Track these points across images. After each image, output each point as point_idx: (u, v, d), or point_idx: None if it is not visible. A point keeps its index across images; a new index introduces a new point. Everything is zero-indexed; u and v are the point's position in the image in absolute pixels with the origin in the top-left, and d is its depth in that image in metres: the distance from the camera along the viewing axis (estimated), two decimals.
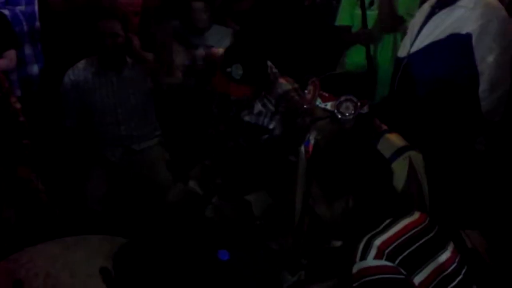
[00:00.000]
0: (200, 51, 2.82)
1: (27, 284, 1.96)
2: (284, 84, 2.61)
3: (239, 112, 2.65)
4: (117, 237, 2.21)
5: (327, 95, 2.01)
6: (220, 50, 2.74)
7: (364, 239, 1.53)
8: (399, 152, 2.03)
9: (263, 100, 2.60)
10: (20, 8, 3.29)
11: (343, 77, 2.27)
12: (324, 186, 1.68)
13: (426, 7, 2.69)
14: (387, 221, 1.58)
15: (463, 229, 1.77)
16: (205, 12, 3.48)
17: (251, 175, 2.66)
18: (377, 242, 1.51)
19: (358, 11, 3.07)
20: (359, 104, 2.01)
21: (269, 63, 2.59)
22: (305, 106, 2.09)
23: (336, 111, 2.00)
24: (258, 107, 2.61)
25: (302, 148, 2.35)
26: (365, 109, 2.06)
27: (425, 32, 2.63)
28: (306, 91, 2.09)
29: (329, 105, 2.01)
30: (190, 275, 1.29)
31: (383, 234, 1.54)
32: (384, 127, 2.15)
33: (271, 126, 2.62)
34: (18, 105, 2.67)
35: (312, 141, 2.26)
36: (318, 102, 2.02)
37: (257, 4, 3.80)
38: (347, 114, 2.01)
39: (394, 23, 2.99)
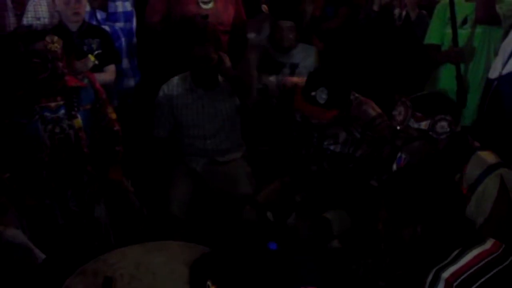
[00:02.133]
0: (271, 79, 2.86)
1: (113, 284, 2.07)
2: (369, 111, 2.57)
3: (322, 140, 2.64)
4: (197, 245, 2.28)
5: (420, 115, 1.97)
6: (294, 79, 2.77)
7: (432, 271, 1.49)
8: (491, 168, 1.97)
9: (349, 128, 2.58)
10: (119, 24, 3.47)
11: (436, 97, 2.22)
12: (393, 212, 1.65)
13: None
14: (456, 251, 1.53)
15: None
16: (292, 32, 3.52)
17: (331, 195, 2.65)
18: (445, 274, 1.47)
19: (449, 30, 3.00)
20: (454, 122, 1.97)
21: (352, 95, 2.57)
22: (397, 128, 2.03)
23: (430, 130, 1.97)
24: (343, 135, 2.59)
25: (395, 166, 2.33)
26: (459, 128, 2.01)
27: None
28: (395, 112, 2.06)
29: (423, 125, 1.97)
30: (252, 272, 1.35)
31: (452, 266, 1.49)
32: (477, 144, 2.08)
33: (357, 154, 2.60)
34: (114, 115, 2.84)
35: (404, 157, 2.22)
36: (411, 122, 1.99)
37: (346, 24, 3.81)
38: (442, 134, 1.96)
39: (490, 14, 2.83)
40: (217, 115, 3.08)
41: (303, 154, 2.74)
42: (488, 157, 2.02)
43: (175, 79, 3.13)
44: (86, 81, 2.73)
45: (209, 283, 1.41)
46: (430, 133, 1.96)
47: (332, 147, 2.62)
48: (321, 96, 2.40)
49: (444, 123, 1.95)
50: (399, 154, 2.30)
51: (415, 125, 1.97)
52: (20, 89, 2.60)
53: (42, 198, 2.62)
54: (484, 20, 2.86)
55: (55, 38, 2.59)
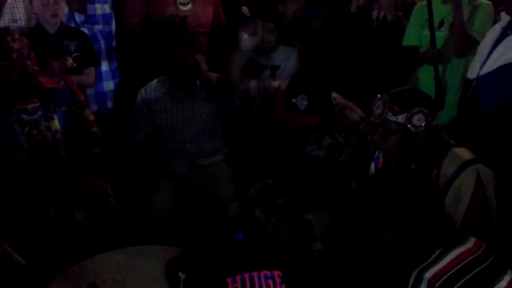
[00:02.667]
0: (253, 83, 2.87)
1: None
2: (352, 114, 2.59)
3: (305, 145, 2.66)
4: (179, 249, 2.27)
5: (397, 108, 2.00)
6: (275, 83, 2.78)
7: (415, 272, 1.50)
8: (467, 164, 2.00)
9: (332, 133, 2.59)
10: (98, 27, 3.44)
11: (413, 91, 2.26)
12: (373, 214, 1.66)
13: (497, 29, 2.64)
14: (438, 252, 1.54)
15: None
16: (273, 33, 3.53)
17: (313, 197, 2.66)
18: (428, 275, 1.48)
19: (427, 32, 3.04)
20: (430, 115, 2.00)
21: (333, 94, 2.59)
22: (376, 121, 2.05)
23: (407, 123, 2.00)
24: (327, 140, 2.60)
25: (373, 165, 2.35)
26: (435, 122, 2.05)
27: (495, 55, 2.57)
28: (374, 107, 2.07)
29: (400, 118, 2.00)
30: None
31: (434, 266, 1.50)
32: (452, 141, 2.11)
33: (340, 159, 2.61)
34: (91, 117, 2.81)
35: (382, 158, 2.25)
36: (389, 115, 2.01)
37: (326, 26, 3.83)
38: (419, 126, 1.99)
39: (467, 45, 2.93)
40: (197, 118, 3.07)
41: (286, 159, 2.75)
42: (464, 153, 2.05)
43: (153, 83, 3.11)
44: (62, 82, 2.71)
45: (180, 273, 1.45)
46: (408, 125, 1.99)
47: (316, 152, 2.63)
48: (302, 102, 2.42)
49: (421, 116, 1.97)
50: (376, 153, 2.33)
51: (393, 118, 2.00)
52: None
53: (21, 201, 2.58)
54: (466, 53, 2.94)
55: (16, 36, 2.55)
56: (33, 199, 2.60)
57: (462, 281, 1.48)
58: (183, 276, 1.44)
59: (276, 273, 1.39)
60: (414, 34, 3.17)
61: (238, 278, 1.35)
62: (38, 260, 2.42)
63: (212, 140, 3.14)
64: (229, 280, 1.36)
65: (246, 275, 1.36)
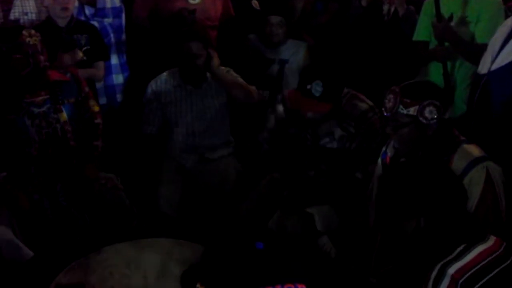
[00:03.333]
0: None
1: (103, 281, 2.06)
2: (361, 104, 2.61)
3: (317, 140, 2.66)
4: (188, 242, 2.28)
5: (408, 100, 2.00)
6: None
7: (437, 267, 1.49)
8: (476, 161, 1.99)
9: (342, 124, 2.60)
10: (107, 20, 3.46)
11: (425, 83, 2.25)
12: (395, 205, 1.65)
13: (508, 24, 2.60)
14: (461, 247, 1.53)
15: None
16: (281, 27, 3.52)
17: (317, 190, 2.66)
18: (451, 270, 1.47)
19: None
20: (442, 108, 1.99)
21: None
22: (387, 114, 2.05)
23: (419, 115, 1.99)
24: (338, 131, 2.62)
25: (379, 161, 2.35)
26: (447, 115, 2.04)
27: (507, 49, 2.54)
28: (385, 100, 2.07)
29: (411, 110, 1.99)
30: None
31: (457, 262, 1.49)
32: (462, 137, 2.11)
33: (352, 147, 2.63)
34: (96, 108, 2.83)
35: (389, 154, 2.25)
36: (400, 108, 2.01)
37: (334, 19, 3.81)
38: (430, 119, 1.98)
39: (476, 54, 2.87)
40: (206, 112, 3.07)
41: (297, 159, 2.75)
42: (474, 150, 2.05)
43: (163, 76, 3.11)
44: (68, 74, 2.72)
45: (198, 285, 1.42)
46: (419, 118, 1.98)
47: (329, 145, 2.64)
48: (316, 89, 2.43)
49: (433, 108, 1.98)
50: (383, 149, 2.33)
51: (404, 111, 2.00)
52: (5, 86, 2.57)
53: (31, 193, 2.60)
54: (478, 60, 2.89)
55: (32, 31, 2.59)
56: (44, 191, 2.63)
57: (486, 279, 1.47)
58: None
59: (300, 286, 1.34)
60: (424, 29, 3.13)
61: None
62: (46, 252, 2.44)
63: (221, 133, 3.15)
64: None
65: None
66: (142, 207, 2.89)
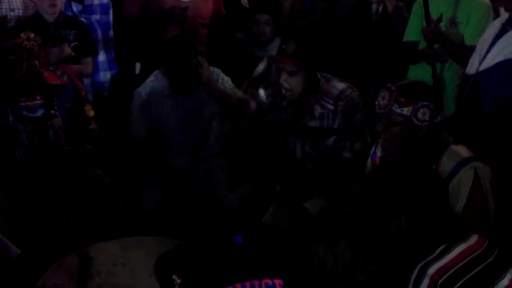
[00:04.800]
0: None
1: (89, 279, 2.05)
2: (338, 84, 2.68)
3: (299, 117, 2.70)
4: (173, 240, 2.26)
5: (403, 100, 2.01)
6: None
7: (418, 267, 1.50)
8: (465, 162, 2.01)
9: (321, 102, 2.67)
10: (95, 17, 3.45)
11: (422, 85, 2.26)
12: (378, 204, 1.66)
13: (496, 25, 2.62)
14: (442, 247, 1.54)
15: None
16: (269, 25, 3.52)
17: (310, 182, 2.68)
18: (431, 271, 1.48)
19: None
20: (435, 111, 2.00)
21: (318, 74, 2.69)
22: (380, 111, 2.07)
23: (412, 116, 1.99)
24: (318, 110, 2.67)
25: (369, 160, 2.36)
26: (439, 118, 2.06)
27: (495, 50, 2.56)
28: (379, 97, 2.09)
29: (405, 110, 2.00)
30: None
31: (437, 262, 1.50)
32: (451, 138, 2.13)
33: (335, 126, 2.67)
34: (91, 113, 2.79)
35: (378, 154, 2.26)
36: (394, 106, 2.02)
37: (320, 20, 3.82)
38: (423, 121, 1.99)
39: (464, 56, 2.88)
40: (198, 120, 3.04)
41: (282, 147, 2.77)
42: (462, 151, 2.06)
43: (150, 83, 3.03)
44: (65, 77, 2.67)
45: (175, 276, 1.41)
46: (412, 119, 2.00)
47: (311, 123, 2.69)
48: (291, 47, 2.55)
49: (426, 110, 1.99)
50: (373, 149, 2.34)
51: (398, 110, 2.01)
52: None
53: (18, 197, 2.57)
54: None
55: (31, 35, 2.54)
56: (31, 195, 2.59)
57: (465, 278, 1.48)
58: (179, 281, 1.39)
59: (277, 281, 1.34)
60: (414, 29, 3.14)
61: (238, 286, 1.30)
62: (33, 249, 2.41)
63: (211, 137, 3.13)
64: None
65: (247, 284, 1.31)
66: (128, 203, 2.87)
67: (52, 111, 2.59)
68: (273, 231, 2.48)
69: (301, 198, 2.63)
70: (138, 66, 3.73)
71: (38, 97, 2.56)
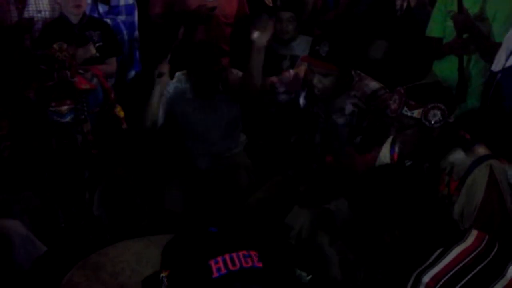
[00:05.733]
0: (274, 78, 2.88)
1: (114, 277, 2.08)
2: (372, 83, 2.66)
3: (329, 114, 2.69)
4: None
5: (413, 103, 1.99)
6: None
7: (413, 275, 1.48)
8: (480, 160, 1.99)
9: (353, 100, 2.65)
10: (121, 17, 3.49)
11: (430, 86, 2.24)
12: (370, 216, 1.66)
13: None
14: (438, 251, 1.52)
15: None
16: (292, 23, 3.51)
17: (334, 182, 2.67)
18: (426, 278, 1.46)
19: (450, 23, 2.98)
20: (447, 111, 1.98)
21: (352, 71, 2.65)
22: (392, 115, 2.06)
23: (423, 118, 1.98)
24: (349, 107, 2.66)
25: (388, 155, 2.34)
26: (452, 118, 2.04)
27: None
28: (391, 101, 2.08)
29: (416, 113, 1.99)
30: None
31: (432, 268, 1.48)
32: (467, 136, 2.10)
33: (364, 124, 2.66)
34: (121, 114, 2.83)
35: (397, 150, 2.24)
36: (405, 110, 2.01)
37: (343, 15, 3.79)
38: (434, 122, 1.98)
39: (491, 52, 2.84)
40: (220, 122, 3.04)
41: (312, 142, 2.77)
42: (478, 149, 2.04)
43: (174, 83, 3.01)
44: (95, 80, 2.70)
45: (162, 274, 1.61)
46: (423, 121, 1.98)
47: (341, 120, 2.68)
48: (324, 49, 2.52)
49: (437, 112, 1.97)
50: (391, 143, 2.33)
51: (408, 113, 1.99)
52: (29, 89, 2.58)
53: (44, 199, 2.61)
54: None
55: (64, 46, 2.57)
56: (56, 198, 2.62)
57: (463, 281, 1.46)
58: (166, 274, 1.56)
59: (253, 252, 1.50)
60: (438, 25, 3.10)
61: (219, 259, 1.47)
62: (59, 247, 2.46)
63: (234, 138, 3.14)
64: (212, 262, 1.47)
65: (227, 256, 1.48)
66: (152, 204, 2.90)
67: (82, 116, 2.62)
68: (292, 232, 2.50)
69: (325, 199, 2.63)
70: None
71: (68, 102, 2.59)
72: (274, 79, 2.86)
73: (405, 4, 3.50)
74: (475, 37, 2.87)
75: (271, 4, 3.80)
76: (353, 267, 2.21)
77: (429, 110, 1.97)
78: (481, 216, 1.94)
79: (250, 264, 1.47)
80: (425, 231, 1.58)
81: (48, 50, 2.52)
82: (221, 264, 1.47)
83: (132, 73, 3.62)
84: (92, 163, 2.68)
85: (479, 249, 1.53)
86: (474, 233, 1.59)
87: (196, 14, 3.40)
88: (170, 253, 1.62)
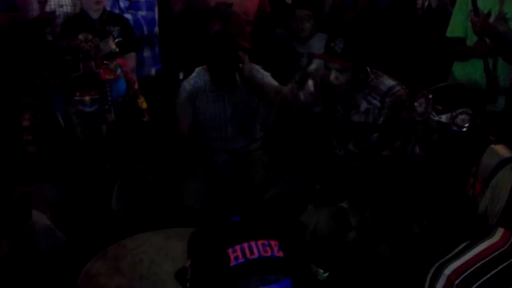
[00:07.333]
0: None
1: (133, 268, 2.09)
2: (387, 80, 2.66)
3: (347, 111, 2.69)
4: None
5: (440, 107, 1.99)
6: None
7: (434, 267, 1.48)
8: (504, 162, 1.96)
9: (368, 97, 2.65)
10: (141, 13, 3.50)
11: (457, 89, 2.22)
12: (399, 205, 1.64)
13: None
14: (463, 245, 1.52)
15: None
16: (310, 21, 3.51)
17: (349, 181, 2.66)
18: (447, 271, 1.46)
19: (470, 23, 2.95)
20: (475, 116, 1.97)
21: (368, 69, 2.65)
22: (418, 119, 2.06)
23: (451, 124, 1.97)
24: (364, 105, 2.66)
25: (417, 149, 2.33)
26: (480, 120, 2.03)
27: None
28: (416, 104, 2.07)
29: (443, 118, 1.98)
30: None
31: (455, 261, 1.48)
32: (492, 137, 2.08)
33: (380, 122, 2.65)
34: (144, 105, 2.84)
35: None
36: (432, 114, 2.00)
37: (362, 15, 3.78)
38: (462, 127, 1.96)
39: None
40: (238, 116, 3.08)
41: (328, 140, 2.76)
42: (502, 150, 2.02)
43: (193, 77, 3.09)
44: (119, 71, 2.72)
45: (187, 263, 1.59)
46: (451, 126, 1.97)
47: (356, 117, 2.68)
48: (339, 45, 2.53)
49: (465, 117, 1.96)
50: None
51: (436, 118, 1.98)
52: (55, 80, 2.59)
53: (67, 191, 2.64)
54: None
55: (90, 36, 2.59)
56: (79, 189, 2.66)
57: (485, 277, 1.45)
58: (189, 263, 1.55)
59: (273, 242, 1.47)
60: (460, 25, 3.06)
61: (237, 247, 1.45)
62: (78, 238, 2.48)
63: (251, 133, 3.16)
64: (230, 250, 1.45)
65: (245, 244, 1.45)
66: (169, 201, 2.90)
67: (106, 106, 2.63)
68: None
69: (340, 197, 2.62)
70: (181, 74, 3.76)
71: (93, 92, 2.62)
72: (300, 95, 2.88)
73: (426, 4, 3.48)
74: (495, 40, 2.83)
75: (289, 1, 3.80)
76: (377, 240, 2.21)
77: (458, 115, 1.96)
78: (505, 217, 1.91)
79: (269, 253, 1.45)
80: (453, 223, 1.56)
81: (73, 40, 2.53)
82: (239, 253, 1.46)
83: (152, 70, 3.61)
84: (115, 155, 2.68)
85: (505, 247, 1.53)
86: (501, 230, 1.58)
87: (215, 11, 3.41)
88: (193, 242, 1.62)
